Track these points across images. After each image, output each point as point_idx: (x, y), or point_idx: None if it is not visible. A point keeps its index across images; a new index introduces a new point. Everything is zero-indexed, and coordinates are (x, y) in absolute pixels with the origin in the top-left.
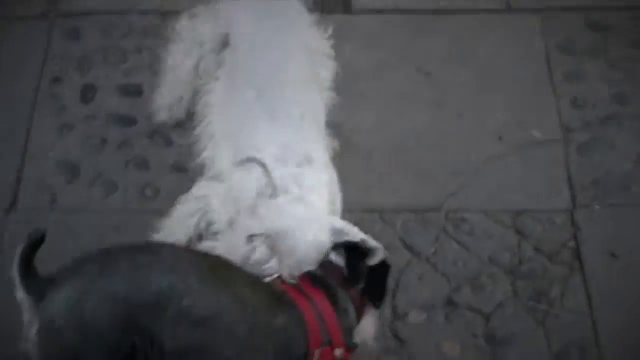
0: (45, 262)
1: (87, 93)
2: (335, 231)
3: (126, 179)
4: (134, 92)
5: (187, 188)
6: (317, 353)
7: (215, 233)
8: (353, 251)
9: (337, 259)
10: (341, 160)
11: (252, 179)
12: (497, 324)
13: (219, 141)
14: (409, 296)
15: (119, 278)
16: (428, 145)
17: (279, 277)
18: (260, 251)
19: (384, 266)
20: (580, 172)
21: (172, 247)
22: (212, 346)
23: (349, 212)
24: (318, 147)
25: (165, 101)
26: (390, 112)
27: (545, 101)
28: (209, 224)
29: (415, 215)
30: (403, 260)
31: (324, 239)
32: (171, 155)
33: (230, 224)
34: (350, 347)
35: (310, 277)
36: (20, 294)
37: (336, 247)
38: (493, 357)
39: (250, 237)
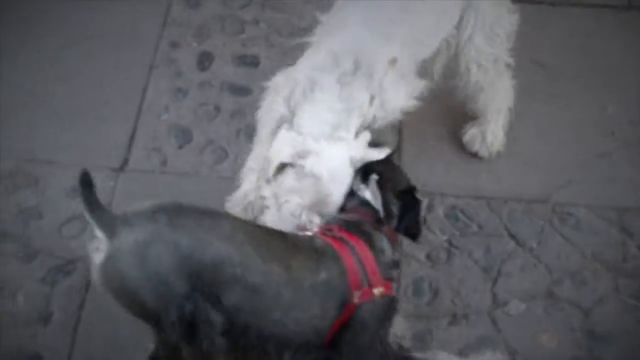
0: None
1: (204, 60)
2: (354, 161)
3: (237, 147)
4: (251, 62)
5: None
6: (357, 295)
7: None
8: (384, 186)
9: (370, 197)
10: (450, 146)
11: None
12: (597, 320)
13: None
14: (510, 285)
15: (184, 233)
16: (539, 136)
17: (320, 228)
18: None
19: (415, 200)
20: None
21: (233, 218)
22: (261, 308)
23: (456, 197)
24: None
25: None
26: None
27: None
28: None
29: (522, 205)
30: (507, 249)
31: (346, 173)
32: None
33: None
34: (390, 281)
35: (347, 225)
36: (94, 228)
37: (363, 174)
38: (590, 353)
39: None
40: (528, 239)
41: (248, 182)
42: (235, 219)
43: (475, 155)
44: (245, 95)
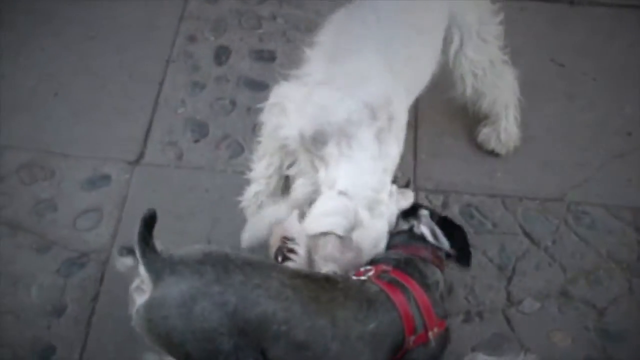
0: (168, 214)
1: (221, 55)
2: (390, 220)
3: (253, 142)
4: (267, 57)
5: None
6: (411, 339)
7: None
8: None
9: (427, 232)
10: (465, 144)
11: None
12: (611, 320)
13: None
14: (524, 283)
15: (232, 292)
16: (555, 135)
17: (374, 271)
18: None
19: (459, 230)
20: None
21: (282, 272)
22: None
23: (471, 195)
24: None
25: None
26: (520, 99)
27: None
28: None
29: (537, 204)
30: (521, 247)
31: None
32: None
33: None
34: (445, 319)
35: (399, 264)
36: (141, 269)
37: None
38: (604, 352)
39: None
40: (543, 238)
41: (257, 185)
42: (284, 273)
43: (492, 153)
44: (261, 90)
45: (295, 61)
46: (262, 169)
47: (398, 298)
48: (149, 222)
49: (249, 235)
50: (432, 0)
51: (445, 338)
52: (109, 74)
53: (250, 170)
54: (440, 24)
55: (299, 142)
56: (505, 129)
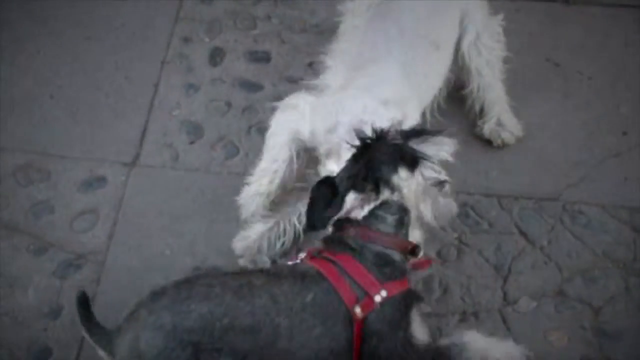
0: (164, 215)
1: (216, 56)
2: None
3: (248, 143)
4: (262, 58)
5: None
6: (357, 309)
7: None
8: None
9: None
10: (461, 143)
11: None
12: (607, 319)
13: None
14: (520, 283)
15: (164, 312)
16: (551, 134)
17: (307, 253)
18: None
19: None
20: None
21: (209, 276)
22: (263, 345)
23: (467, 195)
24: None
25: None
26: (516, 99)
27: None
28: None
29: (533, 203)
30: (517, 246)
31: None
32: None
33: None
34: (394, 280)
35: (329, 244)
36: (96, 347)
37: None
38: (600, 351)
39: None
40: (539, 237)
41: (259, 185)
42: (210, 275)
43: (502, 145)
44: (256, 91)
45: (290, 62)
46: (266, 163)
47: (326, 268)
48: (84, 302)
49: (241, 244)
50: (448, 15)
51: (402, 302)
52: (104, 76)
53: (249, 168)
54: (454, 39)
55: (311, 138)
56: (507, 119)
